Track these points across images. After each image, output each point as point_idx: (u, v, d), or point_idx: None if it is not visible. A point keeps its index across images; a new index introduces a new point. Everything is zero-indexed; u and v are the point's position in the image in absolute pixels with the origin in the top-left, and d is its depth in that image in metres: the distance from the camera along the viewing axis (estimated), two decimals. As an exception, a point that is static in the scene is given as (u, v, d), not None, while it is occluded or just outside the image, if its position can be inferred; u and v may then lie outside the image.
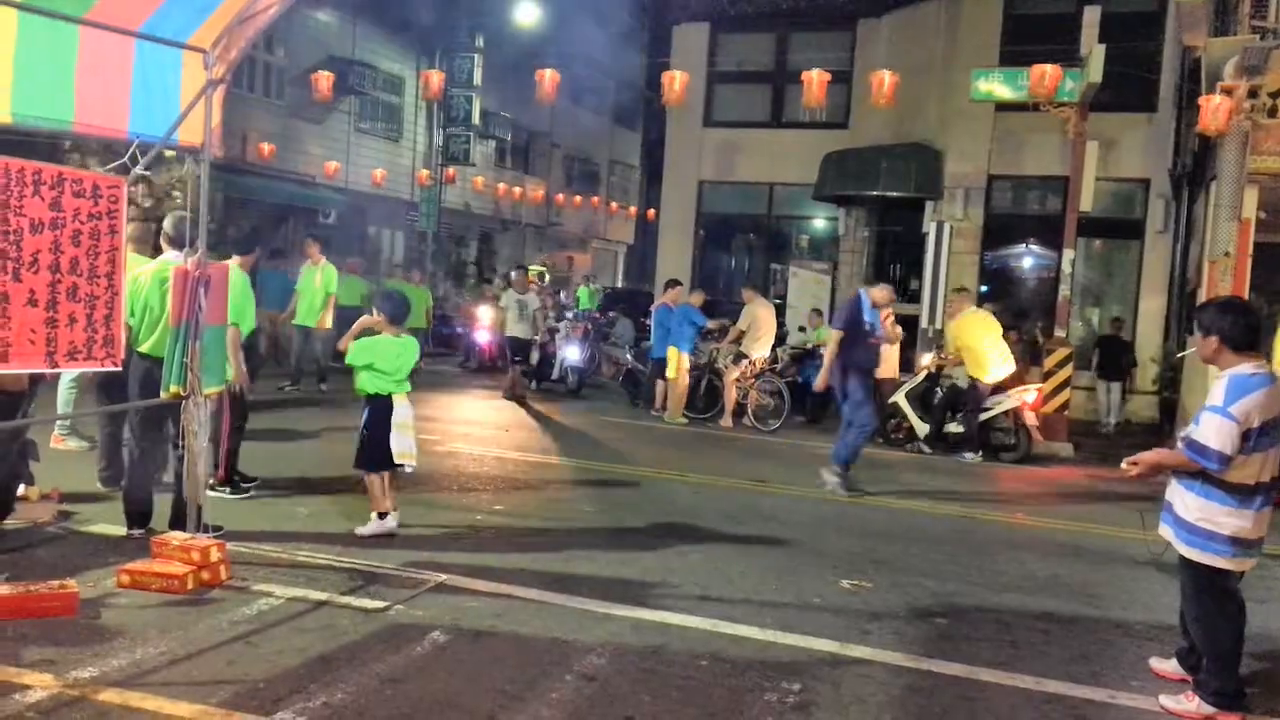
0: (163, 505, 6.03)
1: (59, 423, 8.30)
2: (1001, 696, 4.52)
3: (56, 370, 5.44)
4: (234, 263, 7.27)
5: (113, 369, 5.41)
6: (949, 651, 5.05)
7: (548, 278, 30.65)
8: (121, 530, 6.02)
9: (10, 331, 4.66)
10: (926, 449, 11.82)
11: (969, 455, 11.44)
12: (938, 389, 12.30)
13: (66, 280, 4.89)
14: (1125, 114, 15.97)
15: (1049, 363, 12.93)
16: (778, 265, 20.87)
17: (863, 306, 9.17)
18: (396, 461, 6.47)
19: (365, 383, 6.52)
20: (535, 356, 15.32)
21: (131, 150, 5.21)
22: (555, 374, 15.62)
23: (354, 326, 6.75)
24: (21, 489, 6.13)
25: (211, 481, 7.17)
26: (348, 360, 6.59)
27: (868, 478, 9.94)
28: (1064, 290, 13.51)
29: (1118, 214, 16.82)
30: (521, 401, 13.56)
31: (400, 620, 4.92)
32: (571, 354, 15.45)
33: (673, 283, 13.84)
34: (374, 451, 6.46)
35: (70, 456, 7.81)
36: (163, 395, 5.68)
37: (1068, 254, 13.52)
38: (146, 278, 6.08)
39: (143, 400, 6.01)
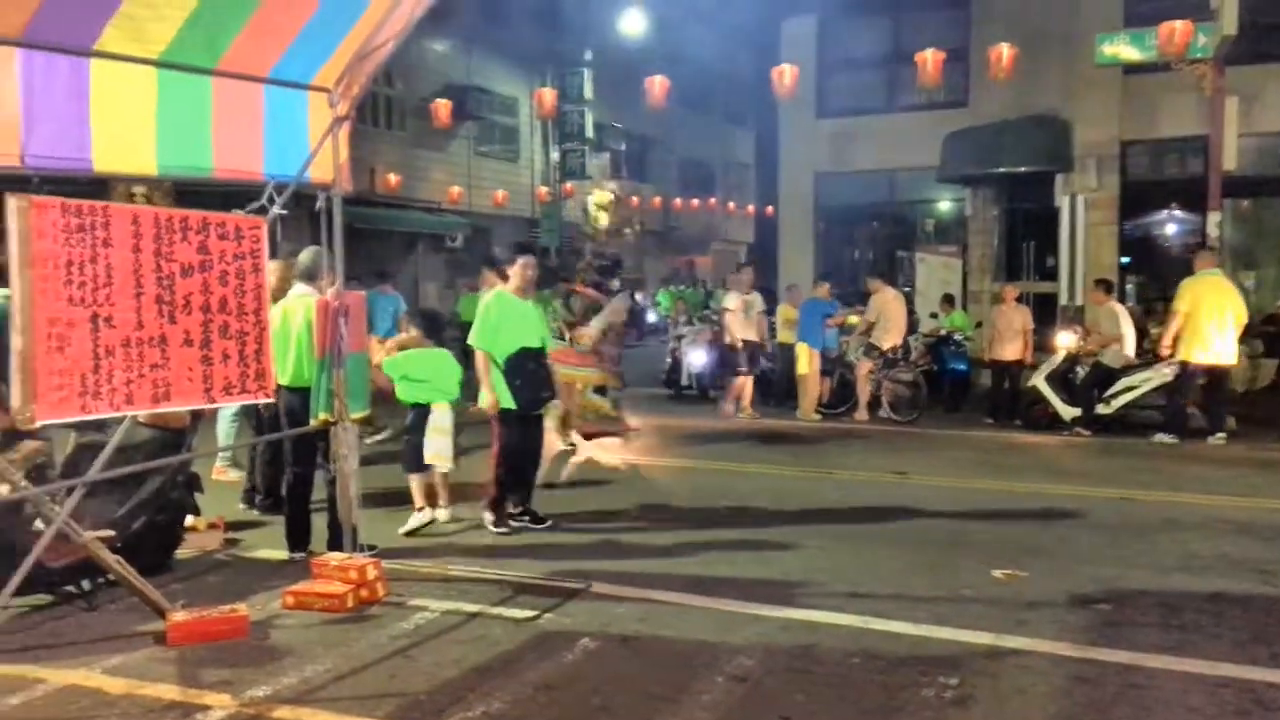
0: (320, 528, 6.29)
1: (220, 455, 8.73)
2: (1171, 682, 4.32)
3: (215, 405, 5.73)
4: (500, 288, 7.30)
5: (265, 400, 5.66)
6: (1113, 638, 4.86)
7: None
8: (283, 554, 6.31)
9: (170, 371, 4.93)
10: (1085, 432, 11.34)
11: (1165, 437, 10.76)
12: (1078, 369, 11.82)
13: (218, 319, 5.14)
14: (1265, 65, 15.08)
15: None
16: (904, 252, 20.41)
17: None
18: (427, 462, 7.09)
19: (404, 393, 7.24)
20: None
21: (268, 191, 5.46)
22: (684, 380, 15.63)
23: (390, 342, 7.49)
24: (189, 520, 6.47)
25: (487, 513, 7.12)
26: (384, 370, 7.26)
27: (1016, 464, 9.68)
28: (1211, 255, 12.84)
29: (1265, 171, 15.85)
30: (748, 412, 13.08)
31: (550, 628, 5.00)
32: (696, 359, 15.42)
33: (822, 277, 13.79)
34: (413, 454, 7.17)
35: (232, 487, 8.17)
36: (311, 423, 5.93)
37: (1213, 217, 12.86)
38: (278, 314, 6.34)
39: (290, 430, 6.28)
